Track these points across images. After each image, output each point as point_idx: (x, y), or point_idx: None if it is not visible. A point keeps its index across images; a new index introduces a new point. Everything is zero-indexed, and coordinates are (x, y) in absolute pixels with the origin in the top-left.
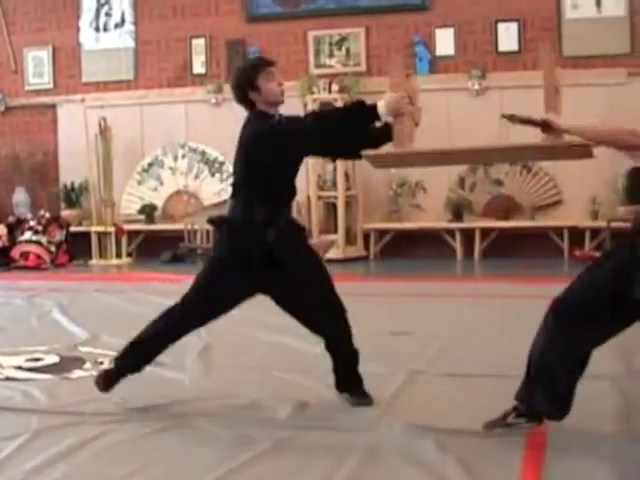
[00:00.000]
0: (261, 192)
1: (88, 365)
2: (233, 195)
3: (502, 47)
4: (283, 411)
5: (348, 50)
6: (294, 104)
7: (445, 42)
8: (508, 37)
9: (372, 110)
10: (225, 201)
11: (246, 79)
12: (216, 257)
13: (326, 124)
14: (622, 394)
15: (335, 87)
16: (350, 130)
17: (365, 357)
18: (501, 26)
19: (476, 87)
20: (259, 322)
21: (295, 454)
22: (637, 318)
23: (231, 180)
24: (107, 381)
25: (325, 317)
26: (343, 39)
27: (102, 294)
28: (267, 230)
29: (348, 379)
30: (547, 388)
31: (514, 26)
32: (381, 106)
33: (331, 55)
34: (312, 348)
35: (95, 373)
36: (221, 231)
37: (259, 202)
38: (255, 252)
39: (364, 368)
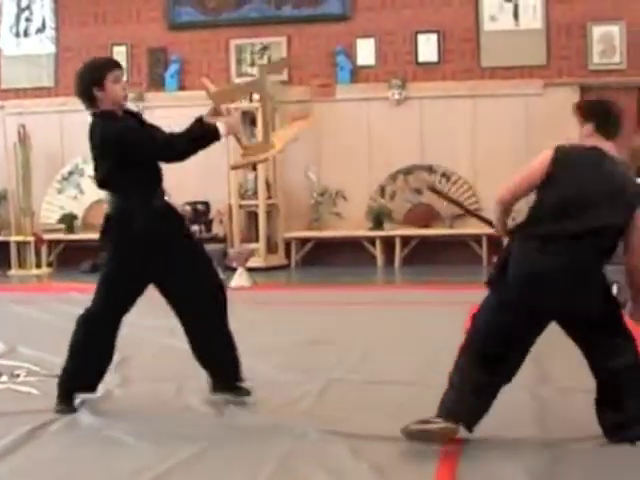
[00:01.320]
0: (132, 183)
1: (4, 378)
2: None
3: (422, 58)
4: (198, 423)
5: (270, 59)
6: None
7: (366, 52)
8: (428, 48)
9: (215, 132)
10: None
11: (94, 76)
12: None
13: (174, 145)
14: (536, 401)
15: (256, 96)
16: (193, 151)
17: (284, 366)
18: (421, 37)
19: (396, 97)
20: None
21: (210, 465)
22: None
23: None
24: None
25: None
26: (265, 48)
27: (20, 305)
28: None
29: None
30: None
31: (434, 37)
32: (221, 127)
33: (253, 64)
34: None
35: (12, 386)
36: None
37: (134, 192)
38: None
39: (283, 377)
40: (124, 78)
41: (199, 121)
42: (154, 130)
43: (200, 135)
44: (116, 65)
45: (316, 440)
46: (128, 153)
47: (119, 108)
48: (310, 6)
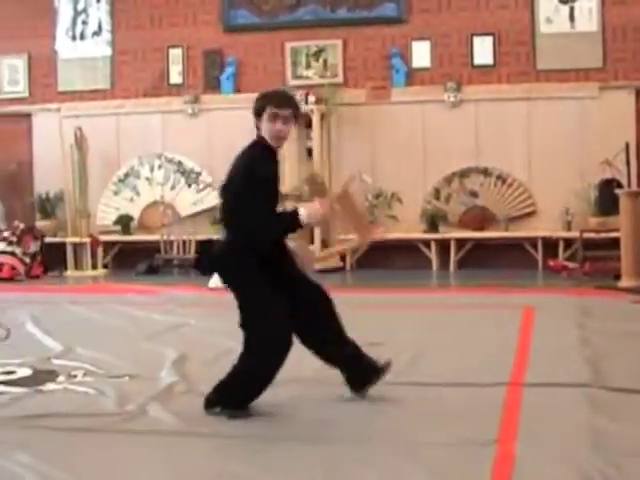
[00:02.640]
0: None
1: (61, 378)
2: None
3: (477, 60)
4: (259, 421)
5: (325, 61)
6: None
7: (421, 54)
8: (483, 50)
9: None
10: (201, 212)
11: (256, 105)
12: None
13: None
14: (590, 402)
15: (312, 98)
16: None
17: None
18: (477, 39)
19: (451, 99)
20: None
21: (266, 463)
22: None
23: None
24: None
25: None
26: (320, 50)
27: (77, 306)
28: None
29: None
30: None
31: (489, 40)
32: (303, 215)
33: (308, 66)
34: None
35: (69, 386)
36: None
37: None
38: None
39: (333, 377)
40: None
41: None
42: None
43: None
44: (278, 104)
45: (367, 442)
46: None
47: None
48: (365, 8)
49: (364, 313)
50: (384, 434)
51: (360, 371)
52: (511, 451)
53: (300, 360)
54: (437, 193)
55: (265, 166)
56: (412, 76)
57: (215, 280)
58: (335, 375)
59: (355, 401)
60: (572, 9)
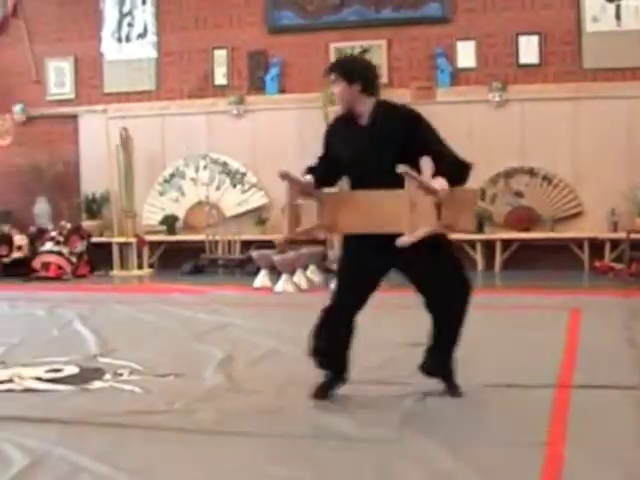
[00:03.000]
0: None
1: (108, 376)
2: None
3: (523, 60)
4: (304, 420)
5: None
6: (316, 115)
7: (466, 54)
8: (529, 50)
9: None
10: (246, 212)
11: None
12: None
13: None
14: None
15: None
16: None
17: (385, 367)
18: (522, 39)
19: (497, 99)
20: (280, 333)
21: (309, 465)
22: None
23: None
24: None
25: None
26: (365, 51)
27: (123, 305)
28: None
29: None
30: None
31: (535, 39)
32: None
33: None
34: None
35: (115, 384)
36: None
37: None
38: None
39: (382, 377)
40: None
41: None
42: None
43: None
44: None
45: (414, 441)
46: None
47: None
48: (410, 8)
49: (408, 313)
50: (431, 433)
51: None
52: (560, 453)
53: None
54: (482, 193)
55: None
56: (457, 76)
57: (260, 280)
58: (382, 375)
59: (401, 400)
60: (618, 7)
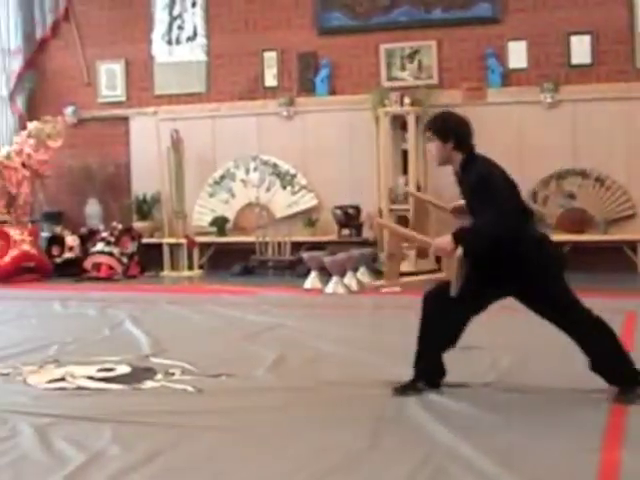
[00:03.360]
0: None
1: (159, 376)
2: None
3: (575, 60)
4: (360, 423)
5: (420, 63)
6: (366, 117)
7: (517, 55)
8: (581, 49)
9: None
10: (296, 213)
11: None
12: None
13: None
14: None
15: (407, 100)
16: None
17: None
18: (574, 39)
19: (549, 100)
20: (331, 335)
21: (368, 467)
22: None
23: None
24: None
25: None
26: (415, 52)
27: (174, 306)
28: None
29: None
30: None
31: (587, 39)
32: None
33: (403, 68)
34: (386, 362)
35: (166, 384)
36: None
37: None
38: None
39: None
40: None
41: None
42: None
43: None
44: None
45: (467, 446)
46: None
47: None
48: (460, 9)
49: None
50: (485, 438)
51: None
52: (616, 458)
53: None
54: (534, 195)
55: None
56: (508, 77)
57: (311, 281)
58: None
59: (457, 404)
60: None
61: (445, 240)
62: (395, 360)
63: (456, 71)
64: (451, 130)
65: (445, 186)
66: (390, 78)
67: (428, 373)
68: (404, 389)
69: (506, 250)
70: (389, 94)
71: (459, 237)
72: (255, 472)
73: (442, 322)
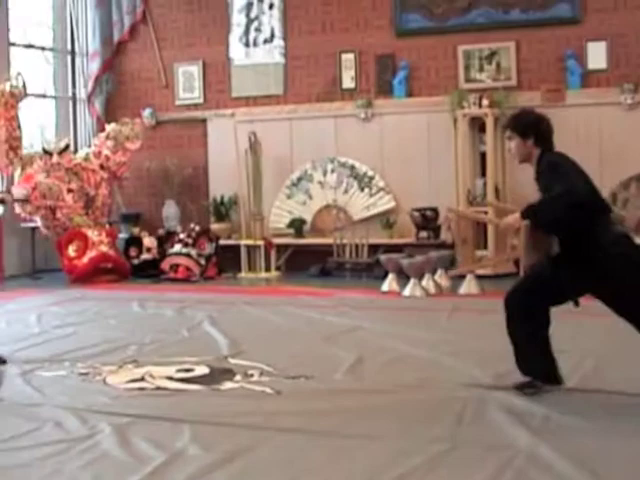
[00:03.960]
0: None
1: (238, 377)
2: None
3: None
4: (439, 426)
5: (498, 64)
6: (444, 119)
7: (597, 55)
8: None
9: None
10: (374, 215)
11: None
12: None
13: None
14: None
15: (485, 102)
16: None
17: (511, 374)
18: None
19: (629, 101)
20: (409, 337)
21: (450, 465)
22: None
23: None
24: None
25: None
26: (493, 53)
27: (251, 307)
28: None
29: None
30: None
31: None
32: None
33: (481, 69)
34: (465, 364)
35: (245, 385)
36: None
37: None
38: None
39: (503, 383)
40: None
41: None
42: None
43: None
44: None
45: (547, 449)
46: None
47: None
48: (539, 10)
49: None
50: (566, 442)
51: None
52: None
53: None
54: (614, 197)
55: None
56: (587, 78)
57: (388, 284)
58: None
59: (538, 407)
60: None
61: (513, 216)
62: (474, 362)
63: (535, 72)
64: (530, 126)
65: (523, 188)
66: (468, 80)
67: (539, 370)
68: (523, 387)
69: (584, 239)
70: (467, 96)
71: (527, 211)
72: (333, 475)
73: (527, 318)
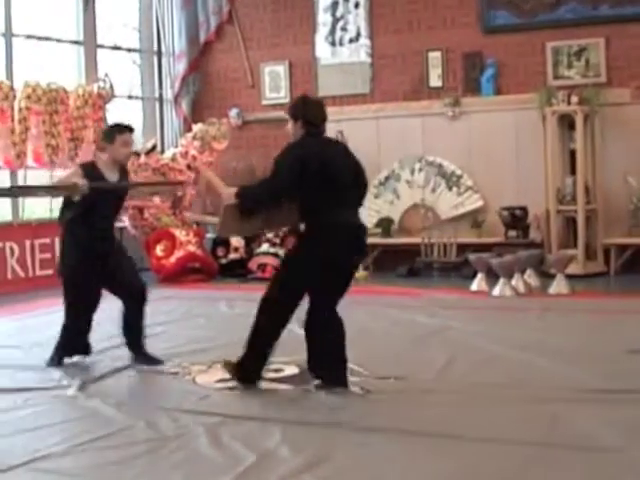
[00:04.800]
0: None
1: None
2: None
3: None
4: (532, 427)
5: (587, 61)
6: (532, 117)
7: None
8: None
9: None
10: (462, 215)
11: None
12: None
13: None
14: None
15: (574, 99)
16: None
17: (605, 374)
18: None
19: None
20: (500, 337)
21: (541, 472)
22: None
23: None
24: None
25: None
26: (582, 50)
27: (339, 307)
28: None
29: None
30: None
31: None
32: None
33: (570, 66)
34: (557, 365)
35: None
36: None
37: None
38: None
39: (602, 385)
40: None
41: None
42: None
43: None
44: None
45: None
46: None
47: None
48: (629, 4)
49: (630, 320)
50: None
51: None
52: None
53: None
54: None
55: None
56: None
57: (477, 283)
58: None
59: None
60: None
61: (228, 192)
62: (566, 363)
63: (625, 69)
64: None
65: (613, 185)
66: (557, 77)
67: None
68: None
69: None
70: (556, 93)
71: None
72: (425, 475)
73: None
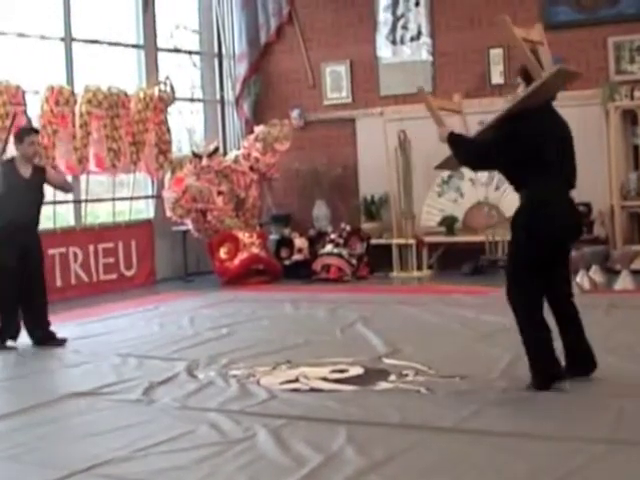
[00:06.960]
0: None
1: (393, 377)
2: None
3: None
4: (599, 425)
5: None
6: (595, 112)
7: None
8: None
9: None
10: None
11: None
12: None
13: None
14: None
15: (638, 94)
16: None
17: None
18: None
19: None
20: None
21: (608, 471)
22: None
23: None
24: None
25: None
26: None
27: (404, 306)
28: None
29: None
30: None
31: None
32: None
33: (632, 61)
34: (624, 362)
35: (400, 385)
36: None
37: None
38: None
39: None
40: None
41: None
42: None
43: None
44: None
45: None
46: None
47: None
48: None
49: None
50: None
51: None
52: None
53: None
54: None
55: None
56: None
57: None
58: None
59: None
60: None
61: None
62: (631, 359)
63: None
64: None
65: None
66: (619, 72)
67: None
68: None
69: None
70: (619, 88)
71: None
72: (494, 475)
73: None
